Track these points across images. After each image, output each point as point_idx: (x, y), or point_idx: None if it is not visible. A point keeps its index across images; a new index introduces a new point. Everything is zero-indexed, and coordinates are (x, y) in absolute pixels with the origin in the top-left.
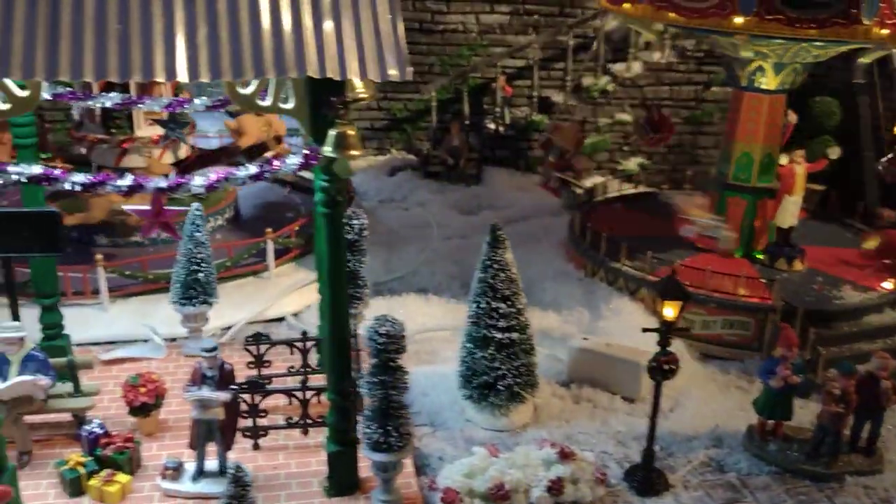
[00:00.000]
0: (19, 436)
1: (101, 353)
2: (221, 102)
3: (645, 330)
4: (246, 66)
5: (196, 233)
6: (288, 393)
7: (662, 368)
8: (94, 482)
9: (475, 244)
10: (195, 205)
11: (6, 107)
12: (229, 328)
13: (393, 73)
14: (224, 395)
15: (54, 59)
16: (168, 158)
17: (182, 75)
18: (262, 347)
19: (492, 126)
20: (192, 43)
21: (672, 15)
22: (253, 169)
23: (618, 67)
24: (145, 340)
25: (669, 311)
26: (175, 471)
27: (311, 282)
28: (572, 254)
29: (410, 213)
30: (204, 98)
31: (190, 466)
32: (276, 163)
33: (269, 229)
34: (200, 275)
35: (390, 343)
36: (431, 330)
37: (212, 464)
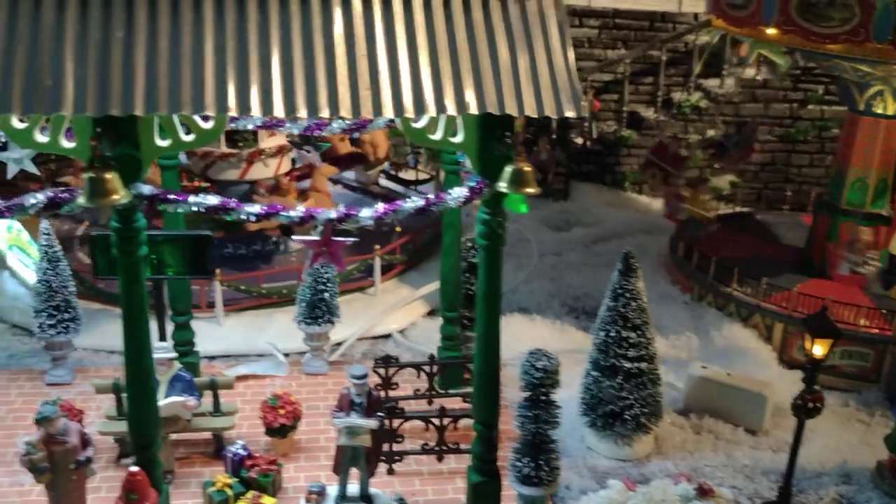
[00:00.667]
0: (164, 455)
1: (224, 369)
2: (357, 126)
3: (792, 367)
4: (427, 103)
5: None
6: (426, 419)
7: (807, 407)
8: None
9: (570, 262)
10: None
11: (190, 138)
12: (339, 344)
13: (569, 111)
14: (373, 423)
15: (222, 94)
16: (286, 166)
17: (367, 112)
18: (391, 370)
19: (578, 140)
20: (374, 80)
21: (800, 40)
22: (419, 201)
23: (711, 83)
24: (260, 355)
25: (818, 349)
26: (319, 495)
27: (415, 299)
28: (677, 276)
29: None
30: (341, 121)
31: (332, 490)
32: (441, 195)
33: (378, 246)
34: (326, 294)
35: (546, 378)
36: None
37: (353, 488)
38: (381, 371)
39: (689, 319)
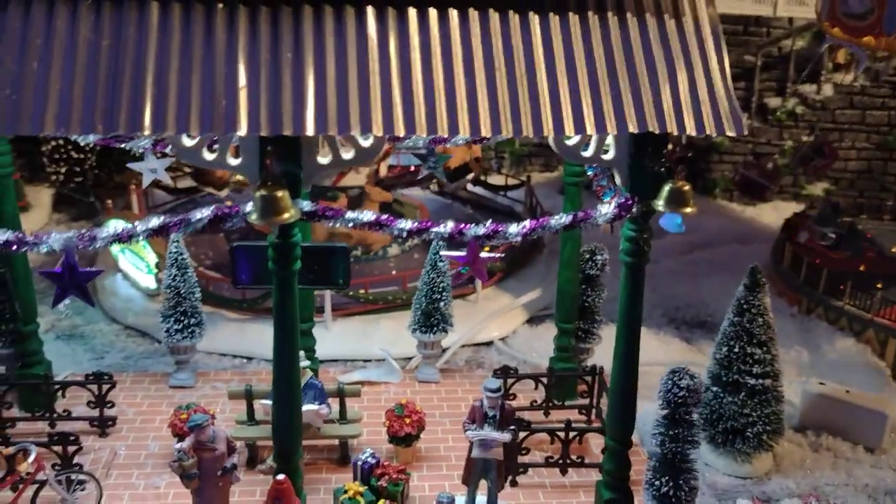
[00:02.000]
0: None
1: (338, 375)
2: (481, 138)
3: None
4: (587, 122)
5: (439, 262)
6: (551, 433)
7: None
8: None
9: (667, 270)
10: None
11: (350, 155)
12: (444, 351)
13: (730, 130)
14: (506, 437)
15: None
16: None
17: (528, 132)
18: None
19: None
20: (534, 99)
21: None
22: (566, 219)
23: (807, 89)
24: (366, 360)
25: None
26: None
27: (517, 306)
28: (782, 287)
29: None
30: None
31: (460, 501)
32: (589, 212)
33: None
34: (441, 304)
35: (689, 397)
36: (649, 364)
37: (481, 500)
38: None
39: (797, 333)
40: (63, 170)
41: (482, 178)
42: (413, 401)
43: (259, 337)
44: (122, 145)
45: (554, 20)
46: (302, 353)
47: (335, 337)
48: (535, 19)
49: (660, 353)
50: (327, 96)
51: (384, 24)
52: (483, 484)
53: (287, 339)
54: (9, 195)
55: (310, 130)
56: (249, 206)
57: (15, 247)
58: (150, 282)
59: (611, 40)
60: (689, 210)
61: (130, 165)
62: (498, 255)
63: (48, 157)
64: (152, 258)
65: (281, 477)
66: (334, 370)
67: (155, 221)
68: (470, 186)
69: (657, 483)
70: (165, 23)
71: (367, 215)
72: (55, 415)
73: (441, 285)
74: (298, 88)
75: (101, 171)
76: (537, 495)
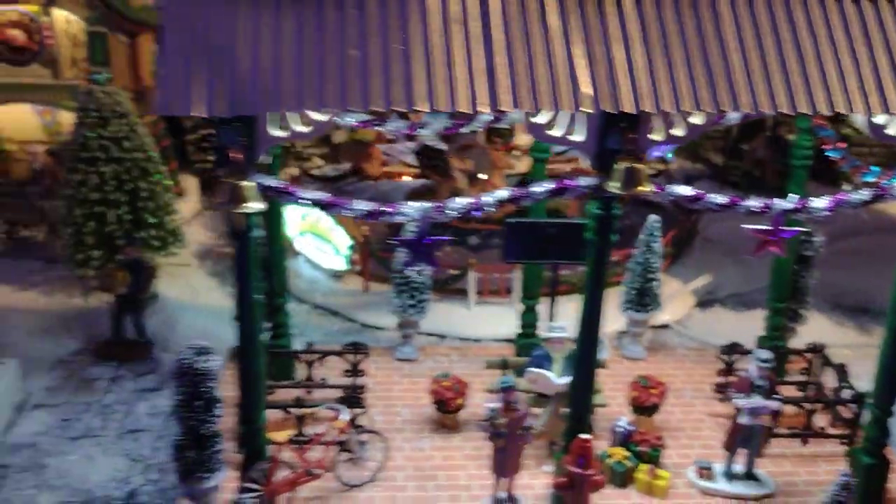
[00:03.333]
0: (557, 427)
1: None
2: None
3: None
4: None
5: (653, 243)
6: (797, 403)
7: None
8: (641, 476)
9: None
10: (654, 217)
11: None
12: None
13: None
14: (775, 405)
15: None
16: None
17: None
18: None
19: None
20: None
21: None
22: (866, 194)
23: None
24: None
25: None
26: (708, 471)
27: (687, 290)
28: None
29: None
30: None
31: (718, 467)
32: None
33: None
34: (654, 283)
35: None
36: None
37: (736, 466)
38: (725, 357)
39: None
40: (200, 157)
41: None
42: (652, 375)
43: (447, 316)
44: (379, 127)
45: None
46: (563, 324)
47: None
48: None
49: (837, 335)
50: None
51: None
52: (739, 451)
53: (593, 311)
54: None
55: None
56: (589, 180)
57: (376, 217)
58: (338, 263)
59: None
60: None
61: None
62: (801, 229)
63: (194, 145)
64: (342, 240)
65: (586, 436)
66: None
67: (502, 193)
68: None
69: None
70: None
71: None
72: (312, 383)
73: (654, 265)
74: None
75: None
76: (783, 465)
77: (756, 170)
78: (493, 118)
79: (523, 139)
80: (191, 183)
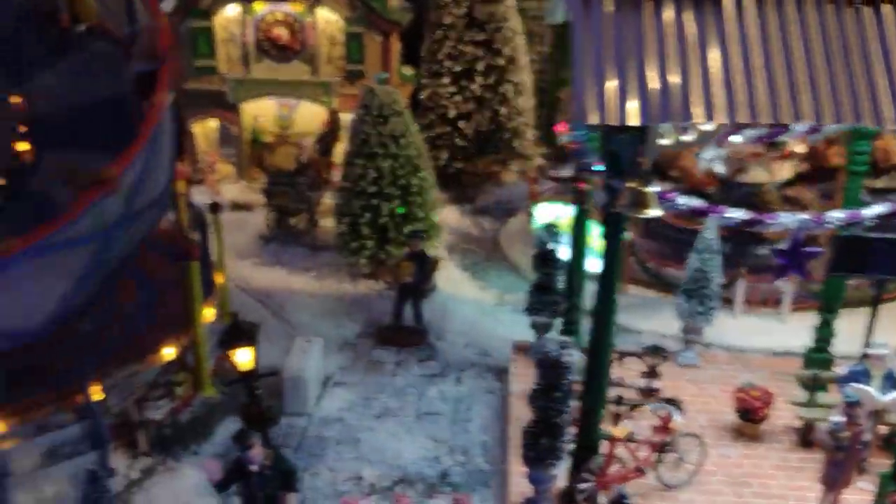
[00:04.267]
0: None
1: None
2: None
3: None
4: None
5: None
6: None
7: None
8: None
9: None
10: None
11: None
12: None
13: None
14: None
15: None
16: (785, 172)
17: None
18: None
19: None
20: None
21: None
22: None
23: None
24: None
25: None
26: None
27: None
28: None
29: None
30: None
31: None
32: None
33: None
34: None
35: None
36: None
37: None
38: None
39: None
40: (444, 156)
41: None
42: None
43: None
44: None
45: None
46: (883, 341)
47: (791, 329)
48: None
49: None
50: None
51: None
52: None
53: None
54: None
55: None
56: None
57: (751, 225)
58: (593, 264)
59: None
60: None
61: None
62: None
63: (431, 143)
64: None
65: None
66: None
67: (881, 208)
68: None
69: None
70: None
71: None
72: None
73: None
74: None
75: (478, 159)
76: None
77: None
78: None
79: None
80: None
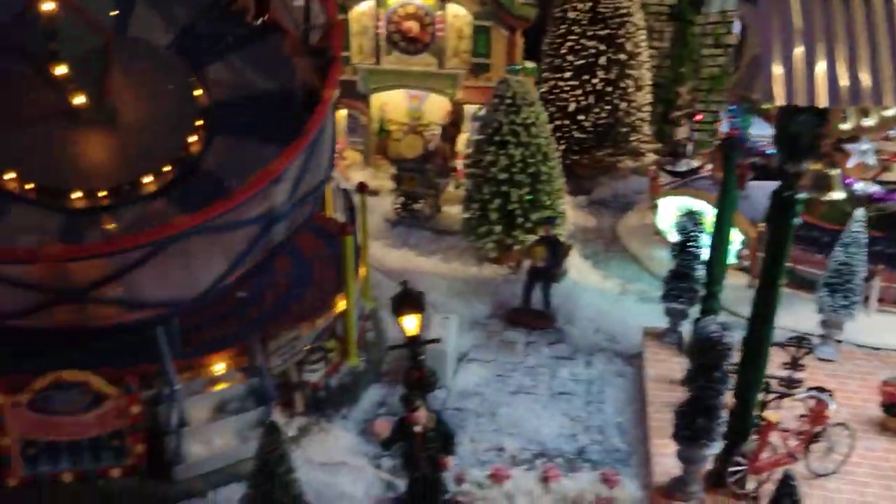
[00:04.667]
0: None
1: None
2: None
3: None
4: None
5: None
6: None
7: None
8: None
9: None
10: None
11: (871, 122)
12: None
13: None
14: None
15: None
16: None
17: None
18: None
19: None
20: None
21: None
22: None
23: None
24: None
25: None
26: None
27: None
28: None
29: None
30: None
31: None
32: None
33: None
34: None
35: None
36: None
37: None
38: None
39: None
40: (562, 147)
41: None
42: None
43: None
44: None
45: None
46: None
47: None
48: None
49: None
50: None
51: None
52: None
53: None
54: None
55: None
56: None
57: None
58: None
59: None
60: None
61: (846, 147)
62: None
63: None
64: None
65: None
66: None
67: None
68: None
69: None
70: None
71: None
72: None
73: None
74: None
75: (597, 152)
76: None
77: None
78: None
79: None
80: None
